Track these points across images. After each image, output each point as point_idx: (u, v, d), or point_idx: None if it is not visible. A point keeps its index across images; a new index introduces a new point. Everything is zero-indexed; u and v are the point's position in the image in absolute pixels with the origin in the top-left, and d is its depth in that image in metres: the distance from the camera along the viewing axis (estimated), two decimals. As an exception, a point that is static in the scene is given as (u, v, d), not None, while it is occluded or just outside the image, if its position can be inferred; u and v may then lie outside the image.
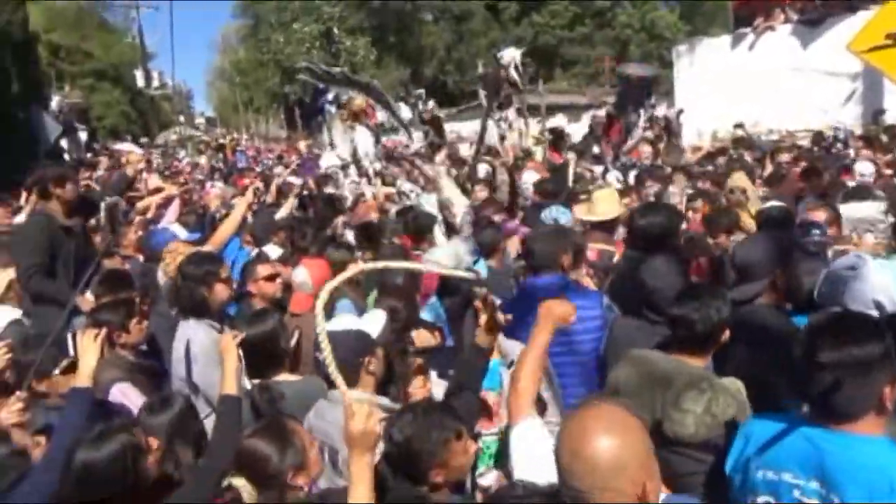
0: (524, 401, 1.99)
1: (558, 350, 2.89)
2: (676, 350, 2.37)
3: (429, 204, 5.50)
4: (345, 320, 2.60)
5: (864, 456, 1.59)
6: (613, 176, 6.99)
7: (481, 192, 6.47)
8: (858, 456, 1.59)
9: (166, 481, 2.21)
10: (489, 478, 2.07)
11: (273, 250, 4.71)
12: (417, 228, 5.09)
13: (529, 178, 7.52)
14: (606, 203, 4.73)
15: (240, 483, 1.95)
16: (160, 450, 2.20)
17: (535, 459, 1.78)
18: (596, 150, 10.44)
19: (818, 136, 10.65)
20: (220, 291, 3.31)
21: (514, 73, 7.94)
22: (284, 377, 2.81)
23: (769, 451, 1.71)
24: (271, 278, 3.71)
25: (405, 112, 11.31)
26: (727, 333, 2.36)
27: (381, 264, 2.83)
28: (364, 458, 1.81)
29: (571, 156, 8.46)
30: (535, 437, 1.88)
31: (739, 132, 11.82)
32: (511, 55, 7.89)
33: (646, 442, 1.46)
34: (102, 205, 4.32)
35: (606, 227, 4.55)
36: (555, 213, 4.75)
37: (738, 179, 5.73)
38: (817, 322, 1.70)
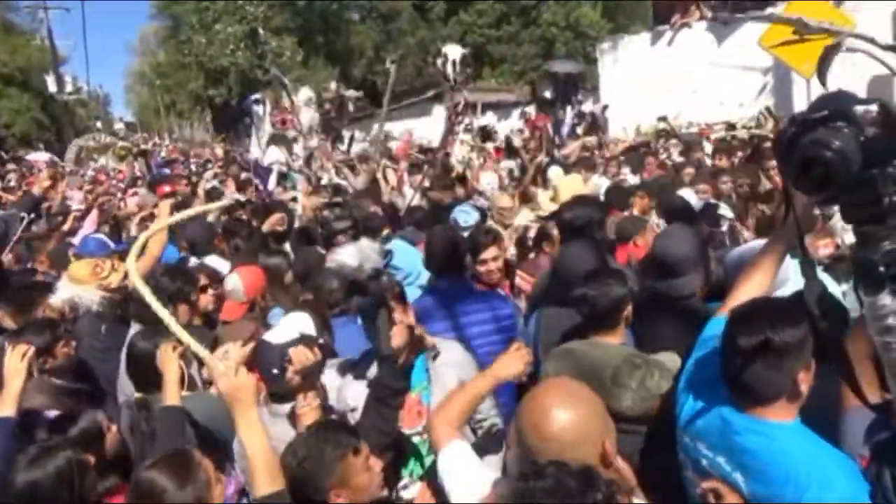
0: (449, 429, 1.91)
1: (488, 347, 2.94)
2: (590, 332, 2.48)
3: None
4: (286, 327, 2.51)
5: (770, 441, 1.61)
6: (554, 171, 7.06)
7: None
8: (764, 440, 1.62)
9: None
10: (412, 490, 1.95)
11: (218, 262, 4.48)
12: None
13: (485, 179, 7.57)
14: (568, 190, 4.81)
15: None
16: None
17: (468, 484, 1.77)
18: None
19: (732, 129, 11.20)
20: (183, 314, 3.24)
21: (449, 69, 7.95)
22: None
23: (693, 419, 1.78)
24: (203, 290, 3.59)
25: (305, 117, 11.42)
26: (630, 309, 2.49)
27: (192, 210, 2.66)
28: (247, 415, 1.74)
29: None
30: (464, 461, 1.84)
31: (662, 125, 12.24)
32: (453, 51, 7.90)
33: (599, 404, 1.63)
34: None
35: None
36: (455, 214, 4.76)
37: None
38: (739, 307, 1.72)
